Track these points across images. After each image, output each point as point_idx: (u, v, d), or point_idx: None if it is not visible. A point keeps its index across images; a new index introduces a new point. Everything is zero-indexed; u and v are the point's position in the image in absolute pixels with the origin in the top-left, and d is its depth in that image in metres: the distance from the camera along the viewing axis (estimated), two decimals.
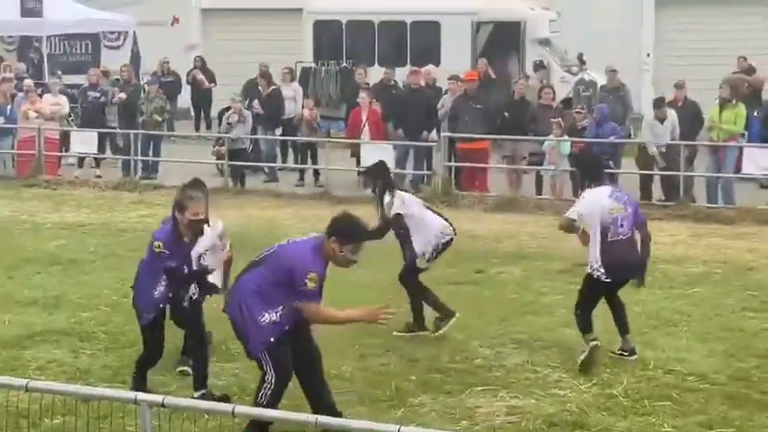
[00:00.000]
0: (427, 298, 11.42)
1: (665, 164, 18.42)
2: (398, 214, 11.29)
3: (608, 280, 10.31)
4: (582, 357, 10.20)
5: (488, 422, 8.98)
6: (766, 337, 11.22)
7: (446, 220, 11.58)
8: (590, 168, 11.00)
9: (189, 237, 9.27)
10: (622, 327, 10.60)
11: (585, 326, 10.44)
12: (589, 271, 10.37)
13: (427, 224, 11.35)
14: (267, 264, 8.45)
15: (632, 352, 10.49)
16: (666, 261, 14.56)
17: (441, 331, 11.17)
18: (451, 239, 11.44)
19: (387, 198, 11.37)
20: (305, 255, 8.29)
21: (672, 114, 18.60)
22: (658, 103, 18.86)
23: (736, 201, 18.27)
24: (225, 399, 9.20)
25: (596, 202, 10.33)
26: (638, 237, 10.53)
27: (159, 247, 9.11)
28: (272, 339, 8.31)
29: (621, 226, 10.29)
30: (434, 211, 11.72)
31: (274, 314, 8.31)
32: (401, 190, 11.75)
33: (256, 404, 8.22)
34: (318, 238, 8.42)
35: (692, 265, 14.39)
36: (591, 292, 10.46)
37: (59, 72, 25.21)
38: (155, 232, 9.49)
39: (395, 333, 11.06)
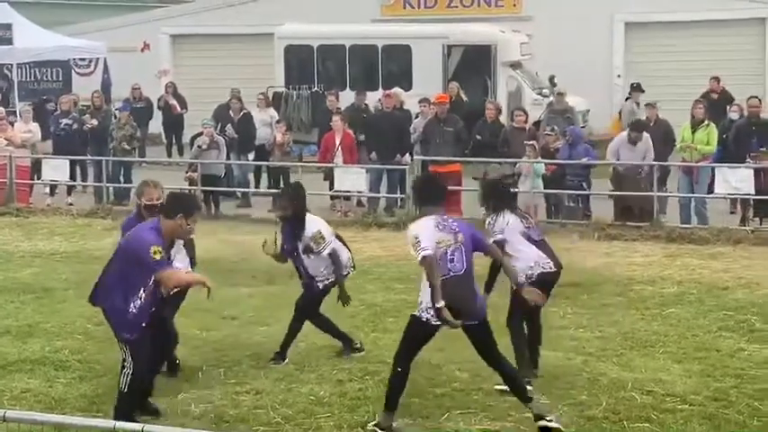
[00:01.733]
0: (519, 345, 10.53)
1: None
2: (497, 241, 10.24)
3: (437, 323, 9.21)
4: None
5: None
6: (743, 356, 11.25)
7: (550, 252, 10.56)
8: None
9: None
10: (520, 393, 9.40)
11: (397, 393, 9.40)
12: (416, 313, 9.29)
13: (521, 253, 10.35)
14: (117, 258, 9.29)
15: (538, 417, 9.26)
16: (641, 282, 14.61)
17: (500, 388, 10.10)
18: (549, 273, 10.41)
19: (492, 218, 10.50)
20: (143, 235, 9.11)
21: (646, 138, 18.65)
22: (637, 126, 18.83)
23: (709, 221, 18.36)
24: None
25: (430, 234, 9.25)
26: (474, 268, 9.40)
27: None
28: (143, 324, 9.16)
29: (452, 261, 9.17)
30: (536, 242, 10.50)
31: (138, 300, 9.12)
32: (512, 212, 10.60)
33: (119, 392, 9.28)
34: (154, 221, 9.26)
35: (667, 285, 14.42)
36: (414, 337, 9.36)
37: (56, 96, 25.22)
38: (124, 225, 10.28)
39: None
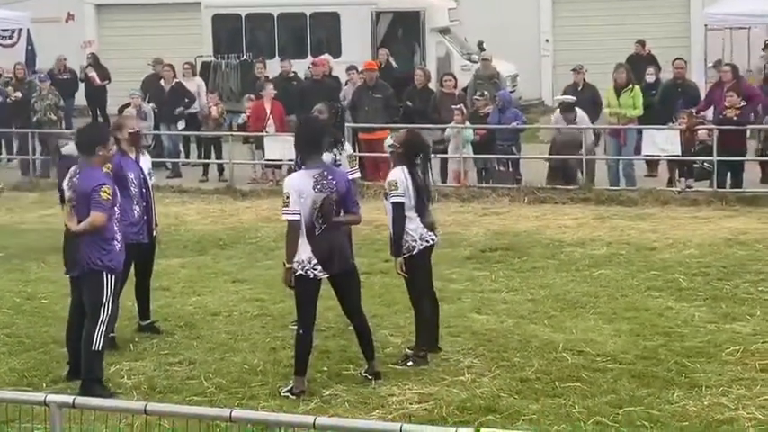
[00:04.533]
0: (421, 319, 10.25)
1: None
2: (400, 204, 9.91)
3: (323, 276, 9.29)
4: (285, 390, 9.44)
5: (402, 410, 9.00)
6: (671, 315, 11.41)
7: (432, 224, 10.24)
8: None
9: (131, 152, 10.83)
10: (370, 349, 9.74)
11: (303, 357, 9.42)
12: (300, 272, 9.23)
13: (409, 223, 10.01)
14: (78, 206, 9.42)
15: (377, 376, 9.67)
16: (571, 244, 14.75)
17: (402, 366, 10.04)
18: (431, 246, 10.14)
19: (396, 173, 10.01)
20: (96, 177, 9.39)
21: (582, 118, 18.69)
22: (566, 108, 18.83)
23: (637, 182, 18.55)
24: None
25: (305, 194, 9.16)
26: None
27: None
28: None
29: (319, 217, 9.23)
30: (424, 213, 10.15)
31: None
32: (414, 176, 10.00)
33: (92, 353, 9.28)
34: (90, 161, 9.46)
35: (597, 247, 14.56)
36: (304, 295, 9.35)
37: None
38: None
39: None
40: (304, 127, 9.82)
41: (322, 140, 9.52)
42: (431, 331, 10.33)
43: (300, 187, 9.21)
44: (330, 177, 9.30)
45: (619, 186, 18.40)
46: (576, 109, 18.63)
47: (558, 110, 19.08)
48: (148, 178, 11.04)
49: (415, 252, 10.03)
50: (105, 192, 9.31)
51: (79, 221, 9.37)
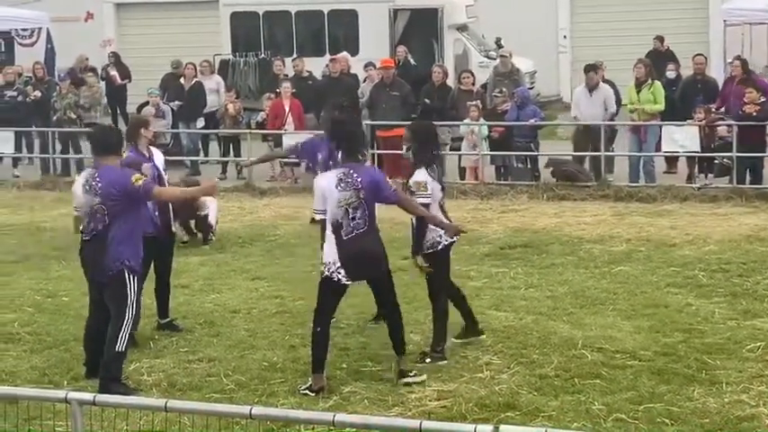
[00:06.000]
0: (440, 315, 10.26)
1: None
2: (427, 205, 9.83)
3: (348, 282, 9.33)
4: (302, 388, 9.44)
5: (420, 407, 9.01)
6: (690, 312, 11.38)
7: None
8: (342, 136, 9.65)
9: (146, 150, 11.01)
10: (398, 345, 9.70)
11: (320, 354, 9.44)
12: (326, 273, 9.32)
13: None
14: (106, 208, 9.35)
15: (401, 374, 9.59)
16: (590, 241, 14.72)
17: (427, 362, 10.03)
18: (452, 243, 10.16)
19: (421, 174, 10.00)
20: (119, 172, 9.47)
21: (605, 89, 18.69)
22: (589, 68, 18.85)
23: (656, 179, 18.49)
24: None
25: (328, 193, 9.25)
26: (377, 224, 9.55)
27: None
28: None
29: (353, 219, 9.22)
30: (441, 206, 10.22)
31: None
32: (435, 170, 10.04)
33: (115, 353, 9.29)
34: (105, 161, 9.51)
35: (616, 243, 14.54)
36: (326, 296, 9.41)
37: None
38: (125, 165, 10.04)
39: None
40: (339, 126, 9.93)
41: (356, 140, 9.62)
42: (468, 319, 10.51)
43: (324, 186, 9.34)
44: (355, 175, 9.30)
45: (638, 183, 18.35)
46: (601, 83, 18.66)
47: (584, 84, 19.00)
48: (163, 174, 11.04)
49: (439, 248, 10.06)
50: (137, 178, 9.38)
51: (110, 222, 9.34)
